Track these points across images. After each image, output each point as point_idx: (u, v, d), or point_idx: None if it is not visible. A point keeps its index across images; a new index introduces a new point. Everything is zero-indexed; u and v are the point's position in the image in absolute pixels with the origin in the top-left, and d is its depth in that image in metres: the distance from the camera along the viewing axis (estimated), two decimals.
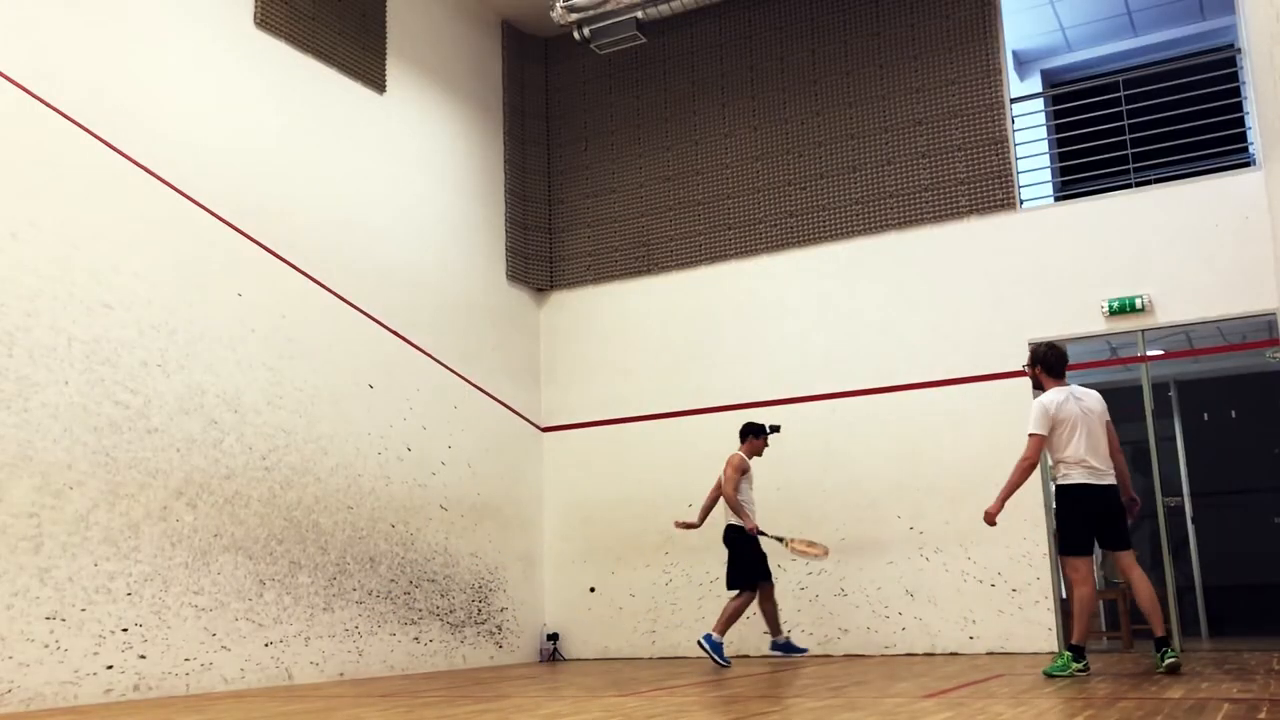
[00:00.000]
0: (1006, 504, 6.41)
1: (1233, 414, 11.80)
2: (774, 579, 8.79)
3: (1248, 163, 9.08)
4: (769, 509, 9.67)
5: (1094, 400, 6.48)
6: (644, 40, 10.05)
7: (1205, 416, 11.60)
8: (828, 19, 10.26)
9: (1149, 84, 9.54)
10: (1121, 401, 10.88)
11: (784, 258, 10.08)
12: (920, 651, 8.92)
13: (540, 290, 11.10)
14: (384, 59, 9.47)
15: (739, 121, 10.50)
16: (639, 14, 9.75)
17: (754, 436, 8.98)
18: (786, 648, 8.83)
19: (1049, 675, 6.10)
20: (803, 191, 10.09)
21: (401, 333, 9.14)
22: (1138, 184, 9.15)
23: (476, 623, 9.54)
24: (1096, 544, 6.52)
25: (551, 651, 10.29)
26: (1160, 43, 11.15)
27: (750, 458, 8.90)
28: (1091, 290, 8.84)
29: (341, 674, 8.06)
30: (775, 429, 8.97)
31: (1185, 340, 9.61)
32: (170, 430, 7.07)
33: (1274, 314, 8.32)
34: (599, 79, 11.22)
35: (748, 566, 8.55)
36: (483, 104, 10.71)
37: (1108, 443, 6.43)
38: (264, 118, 8.24)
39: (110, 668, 6.47)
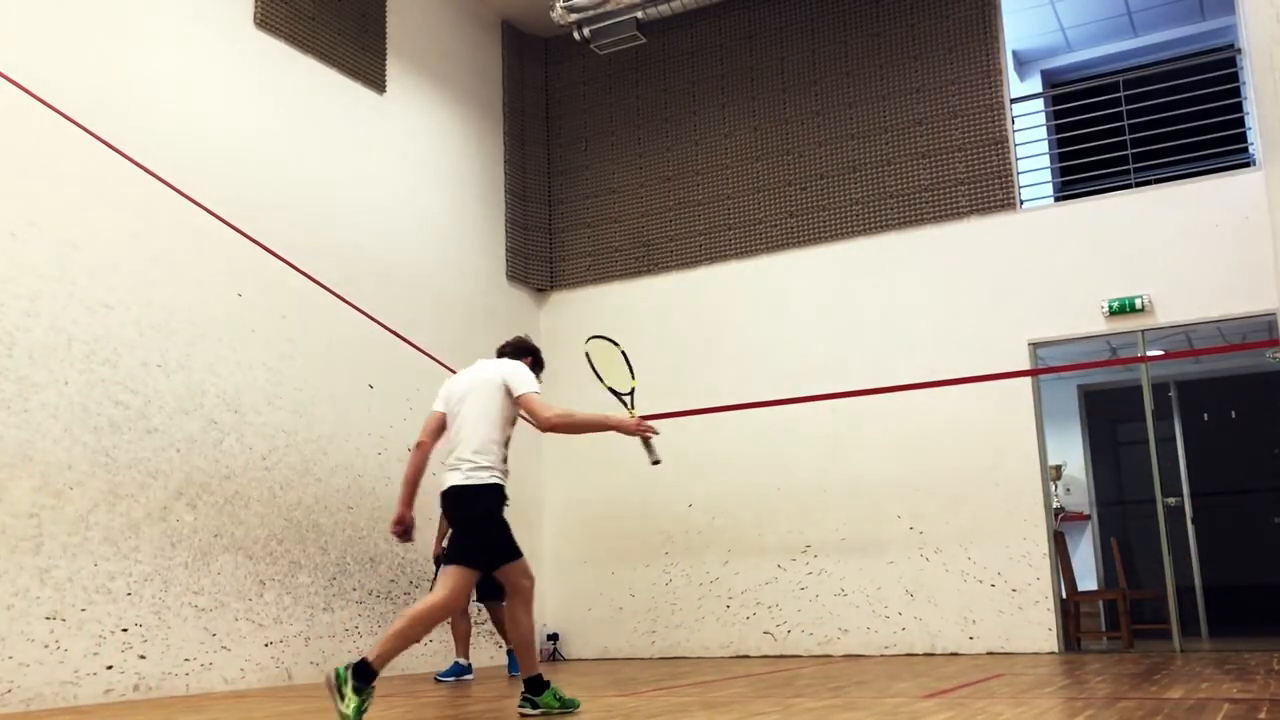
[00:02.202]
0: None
1: (1233, 414, 11.80)
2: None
3: (1248, 163, 9.08)
4: (770, 509, 9.69)
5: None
6: (644, 40, 10.05)
7: (1205, 416, 11.60)
8: (828, 19, 10.26)
9: (1149, 84, 9.54)
10: (1121, 401, 10.92)
11: (784, 258, 10.08)
12: (920, 651, 8.92)
13: (540, 290, 11.09)
14: (384, 59, 9.47)
15: (739, 121, 10.50)
16: (639, 14, 9.75)
17: None
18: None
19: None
20: (803, 191, 10.09)
21: (401, 333, 9.13)
22: (1138, 184, 9.15)
23: (476, 623, 9.51)
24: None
25: (551, 651, 10.29)
26: (1160, 43, 11.15)
27: None
28: (1091, 290, 8.84)
29: None
30: None
31: (1185, 340, 9.61)
32: (170, 430, 7.07)
33: (1274, 314, 8.32)
34: (599, 79, 11.22)
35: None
36: (483, 104, 10.71)
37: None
38: (264, 118, 8.24)
39: (110, 668, 6.47)
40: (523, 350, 5.44)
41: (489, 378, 5.09)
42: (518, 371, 5.10)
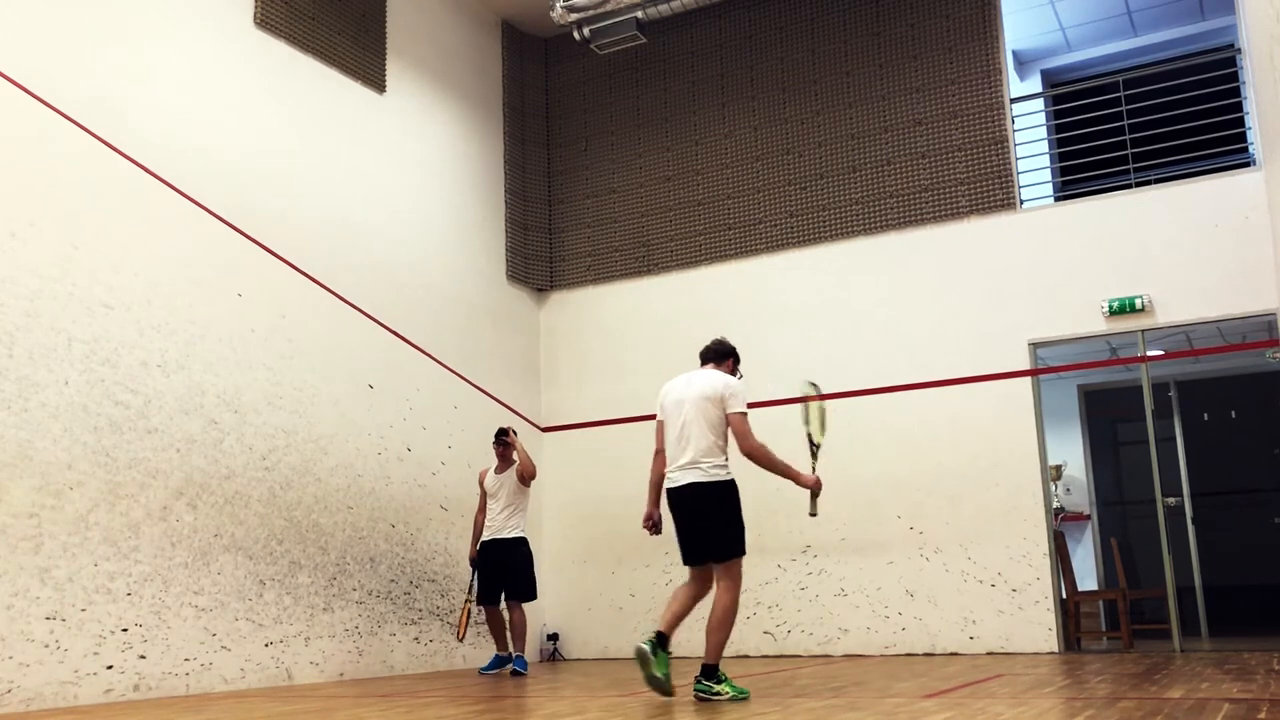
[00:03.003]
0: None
1: (1233, 414, 11.80)
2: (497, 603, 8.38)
3: (1248, 163, 9.08)
4: (770, 509, 9.68)
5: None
6: (644, 40, 10.06)
7: (1205, 416, 11.60)
8: (828, 19, 10.26)
9: (1149, 84, 9.54)
10: (1121, 401, 10.92)
11: (784, 258, 10.08)
12: (920, 651, 8.92)
13: (540, 290, 11.10)
14: (384, 59, 9.47)
15: (739, 122, 10.49)
16: (639, 14, 9.76)
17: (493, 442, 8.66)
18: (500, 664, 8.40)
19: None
20: (803, 191, 10.09)
21: (401, 333, 9.13)
22: (1138, 184, 9.15)
23: (477, 623, 9.51)
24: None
25: (551, 651, 10.29)
26: (1160, 43, 11.15)
27: (496, 469, 8.55)
28: (1091, 290, 8.84)
29: (341, 674, 8.06)
30: (503, 432, 8.58)
31: (1185, 340, 9.61)
32: (170, 430, 7.07)
33: (1274, 314, 8.32)
34: (599, 79, 11.22)
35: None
36: (483, 104, 10.71)
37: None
38: (264, 118, 8.24)
39: (110, 668, 6.47)
40: (724, 354, 5.91)
41: (705, 391, 5.61)
42: (733, 389, 5.63)
